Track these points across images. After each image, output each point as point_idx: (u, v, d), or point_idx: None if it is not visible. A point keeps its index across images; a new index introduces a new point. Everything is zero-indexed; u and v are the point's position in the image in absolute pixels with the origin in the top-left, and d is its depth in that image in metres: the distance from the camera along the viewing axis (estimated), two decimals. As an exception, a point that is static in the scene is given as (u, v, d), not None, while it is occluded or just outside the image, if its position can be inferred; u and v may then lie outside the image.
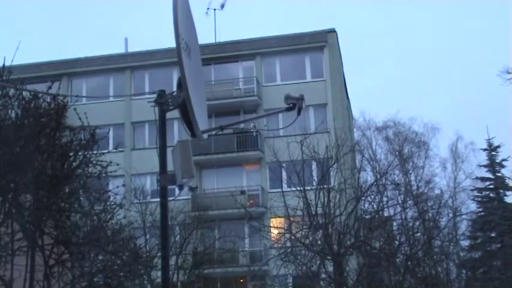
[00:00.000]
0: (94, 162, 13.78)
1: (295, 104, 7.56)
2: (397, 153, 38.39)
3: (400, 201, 31.03)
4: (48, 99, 13.37)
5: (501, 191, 40.96)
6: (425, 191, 36.46)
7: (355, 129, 40.44)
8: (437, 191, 37.74)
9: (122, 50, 39.13)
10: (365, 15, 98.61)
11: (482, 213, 40.91)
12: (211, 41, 36.83)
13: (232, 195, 31.94)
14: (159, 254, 19.64)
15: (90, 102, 34.60)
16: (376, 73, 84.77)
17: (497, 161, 41.01)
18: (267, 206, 31.05)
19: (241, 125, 35.84)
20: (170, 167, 7.05)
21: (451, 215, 37.05)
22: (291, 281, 29.41)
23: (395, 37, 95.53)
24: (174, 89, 7.25)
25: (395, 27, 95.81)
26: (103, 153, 14.27)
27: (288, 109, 7.63)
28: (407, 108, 76.36)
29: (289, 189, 25.15)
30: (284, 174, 28.10)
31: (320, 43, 36.05)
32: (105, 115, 33.28)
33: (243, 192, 33.18)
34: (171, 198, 7.28)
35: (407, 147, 40.10)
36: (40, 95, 12.92)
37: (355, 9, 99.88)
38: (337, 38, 36.83)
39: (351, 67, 76.57)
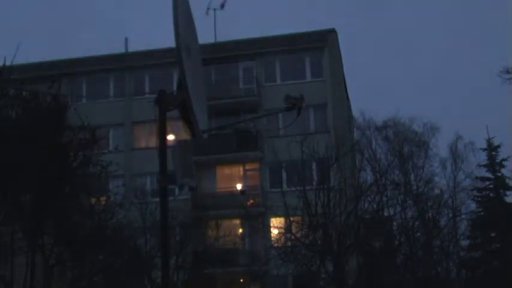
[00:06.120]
0: (94, 162, 13.80)
1: (295, 104, 7.56)
2: (397, 153, 38.33)
3: (400, 201, 31.07)
4: (49, 99, 13.40)
5: (501, 191, 40.95)
6: (425, 190, 36.46)
7: (355, 129, 40.36)
8: (437, 191, 37.74)
9: (122, 50, 39.08)
10: (365, 15, 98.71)
11: (482, 213, 40.90)
12: (211, 41, 36.80)
13: (232, 195, 31.94)
14: (159, 254, 19.64)
15: (90, 102, 34.69)
16: (376, 73, 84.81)
17: (497, 161, 41.00)
18: (267, 206, 31.04)
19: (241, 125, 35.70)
20: (170, 167, 7.04)
21: (451, 215, 37.08)
22: (291, 281, 29.42)
23: (396, 37, 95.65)
24: (174, 89, 7.24)
25: (395, 27, 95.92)
26: (103, 153, 14.29)
27: (288, 109, 7.64)
28: (407, 108, 76.22)
29: (289, 189, 25.17)
30: (284, 174, 28.14)
31: (320, 43, 36.00)
32: (105, 115, 33.24)
33: (243, 192, 33.14)
34: (171, 198, 7.27)
35: (407, 147, 40.00)
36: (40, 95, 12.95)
37: (356, 9, 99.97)
38: (337, 38, 36.80)
39: (351, 67, 76.53)
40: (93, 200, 14.80)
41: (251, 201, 32.61)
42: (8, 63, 12.94)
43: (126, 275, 16.04)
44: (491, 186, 41.11)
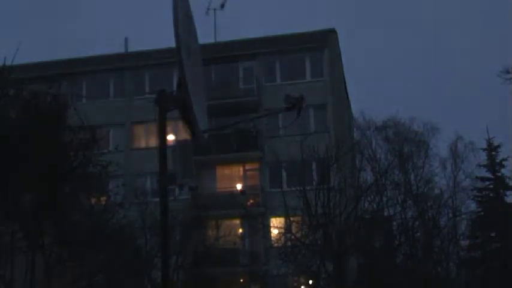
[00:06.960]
0: (94, 162, 13.80)
1: (295, 104, 7.56)
2: (397, 153, 38.33)
3: (400, 201, 31.08)
4: (49, 99, 13.40)
5: (501, 191, 40.98)
6: (425, 190, 36.47)
7: (355, 129, 40.38)
8: (437, 191, 37.74)
9: (122, 50, 39.09)
10: (365, 15, 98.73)
11: (482, 213, 40.92)
12: (211, 41, 36.81)
13: (232, 195, 31.92)
14: (159, 254, 19.65)
15: (90, 102, 34.69)
16: (376, 73, 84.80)
17: (497, 161, 41.02)
18: (267, 206, 31.04)
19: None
20: (170, 167, 7.04)
21: (451, 215, 37.08)
22: (291, 281, 29.40)
23: (396, 37, 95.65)
24: (174, 89, 7.24)
25: (395, 26, 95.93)
26: (103, 153, 14.29)
27: (288, 109, 7.64)
28: (407, 108, 76.21)
29: (289, 189, 25.19)
30: (284, 174, 28.16)
31: (320, 43, 36.00)
32: (105, 115, 33.25)
33: (243, 193, 33.16)
34: (171, 198, 7.27)
35: (407, 147, 40.00)
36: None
37: (355, 9, 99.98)
38: (337, 38, 36.79)
39: (351, 67, 76.49)
40: (93, 200, 14.81)
41: (251, 201, 32.62)
42: (8, 63, 12.94)
43: (126, 275, 16.05)
44: (491, 186, 41.14)
